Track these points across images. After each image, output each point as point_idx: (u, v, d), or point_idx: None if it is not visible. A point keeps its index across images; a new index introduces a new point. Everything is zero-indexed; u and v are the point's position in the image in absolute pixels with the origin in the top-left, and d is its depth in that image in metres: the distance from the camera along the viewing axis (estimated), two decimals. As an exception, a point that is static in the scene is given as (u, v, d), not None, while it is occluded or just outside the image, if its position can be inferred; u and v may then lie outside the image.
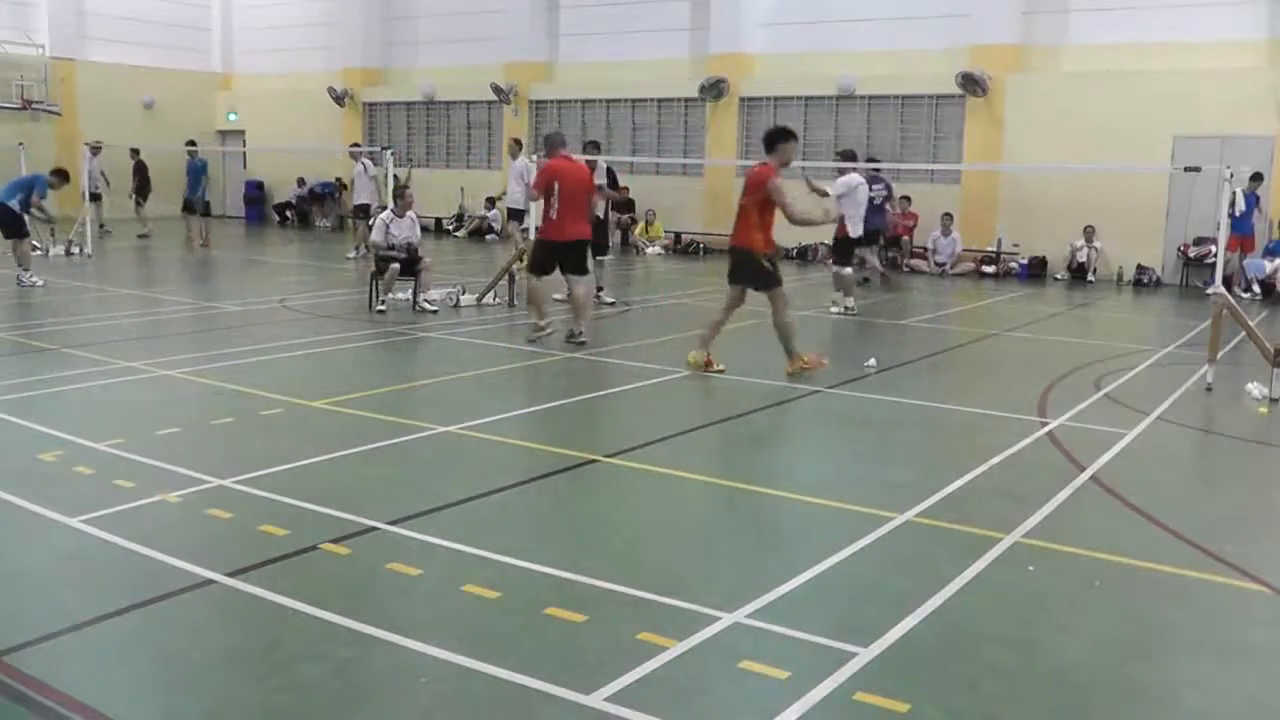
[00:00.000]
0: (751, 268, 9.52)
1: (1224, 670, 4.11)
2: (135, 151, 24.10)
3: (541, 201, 10.96)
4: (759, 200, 9.38)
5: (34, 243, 17.10)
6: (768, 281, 9.47)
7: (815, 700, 3.69)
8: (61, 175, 15.82)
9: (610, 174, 14.20)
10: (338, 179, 26.87)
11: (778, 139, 9.51)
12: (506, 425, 7.48)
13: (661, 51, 23.65)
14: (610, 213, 14.43)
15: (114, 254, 19.78)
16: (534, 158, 14.37)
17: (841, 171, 14.41)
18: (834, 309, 13.88)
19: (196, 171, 21.89)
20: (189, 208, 21.91)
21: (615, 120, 24.48)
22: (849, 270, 14.01)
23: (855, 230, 13.95)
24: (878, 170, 16.44)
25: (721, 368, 9.56)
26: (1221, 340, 9.70)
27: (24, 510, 5.45)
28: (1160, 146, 17.67)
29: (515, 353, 10.64)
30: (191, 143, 22.39)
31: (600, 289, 13.88)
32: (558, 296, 13.54)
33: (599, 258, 13.82)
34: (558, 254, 10.95)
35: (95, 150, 23.66)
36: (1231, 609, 4.72)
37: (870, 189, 14.84)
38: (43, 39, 27.44)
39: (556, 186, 10.79)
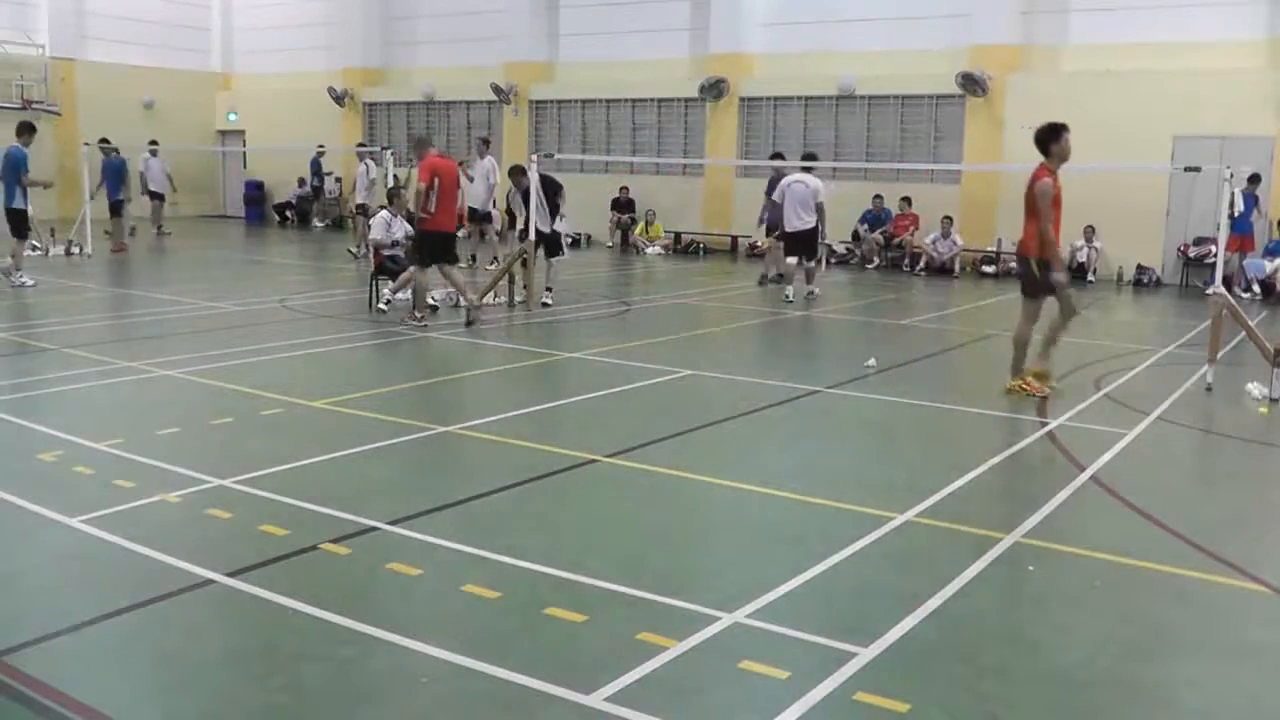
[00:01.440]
0: (1027, 275, 8.94)
1: (1224, 670, 4.11)
2: (115, 151, 24.02)
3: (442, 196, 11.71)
4: (1031, 204, 8.78)
5: (34, 243, 17.09)
6: (1031, 288, 8.89)
7: (815, 700, 3.69)
8: (29, 129, 15.17)
9: (548, 182, 13.85)
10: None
11: (1049, 138, 8.81)
12: (506, 425, 7.48)
13: (661, 51, 23.66)
14: (560, 218, 14.46)
15: (114, 254, 19.75)
16: (532, 157, 14.38)
17: (798, 171, 15.60)
18: (784, 296, 15.04)
19: (116, 171, 20.46)
20: (118, 210, 20.29)
21: (615, 120, 24.48)
22: (792, 260, 15.18)
23: (789, 225, 15.01)
24: (779, 168, 16.85)
25: (1053, 387, 8.93)
26: (1221, 340, 9.70)
27: (24, 510, 5.44)
28: (1160, 146, 17.67)
29: (515, 353, 10.65)
30: (105, 140, 20.92)
31: (548, 288, 13.90)
32: (547, 301, 13.54)
33: (552, 259, 13.90)
34: (444, 243, 11.87)
35: (154, 151, 23.67)
36: (1231, 609, 4.72)
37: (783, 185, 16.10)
38: (43, 39, 27.44)
39: (438, 182, 11.70)
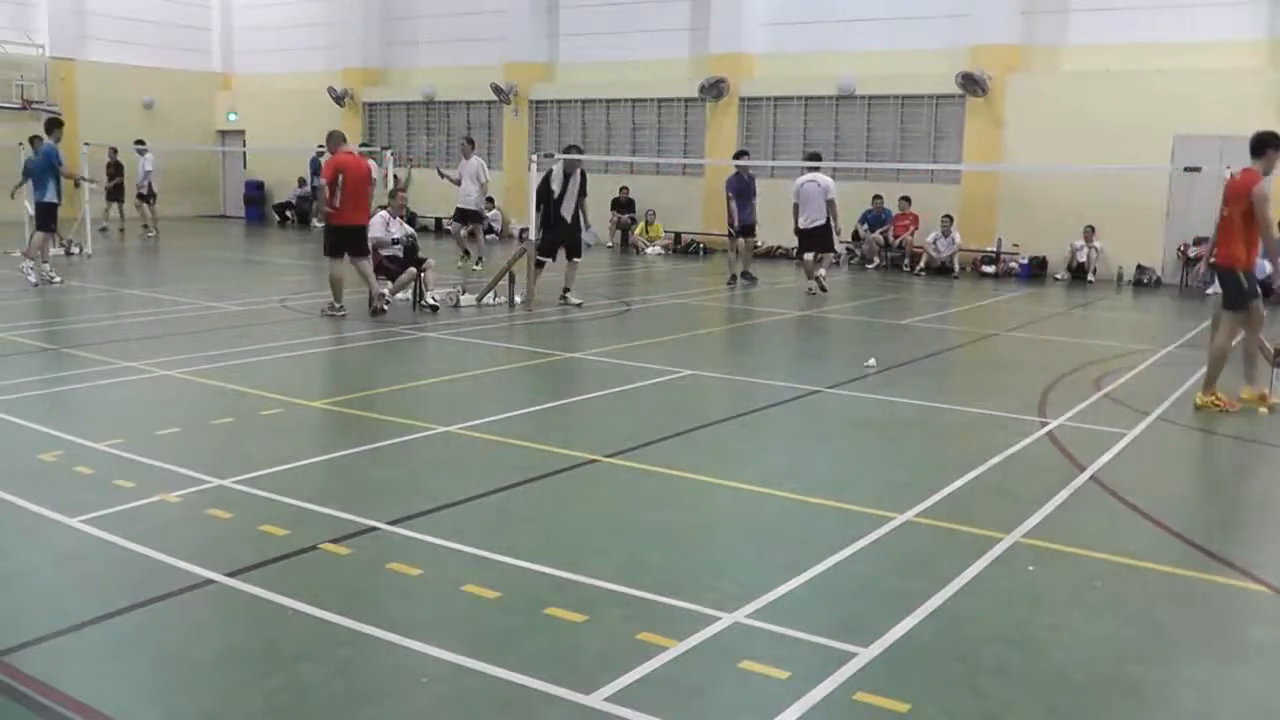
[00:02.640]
0: (1232, 285, 8.56)
1: (1224, 670, 4.11)
2: (113, 151, 24.05)
3: (342, 192, 12.17)
4: (1242, 210, 8.47)
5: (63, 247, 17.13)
6: (1238, 300, 8.49)
7: (815, 700, 3.69)
8: (57, 124, 15.42)
9: (583, 176, 14.03)
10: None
11: (1268, 144, 8.62)
12: (506, 425, 7.48)
13: (661, 51, 23.65)
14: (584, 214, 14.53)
15: (114, 254, 19.77)
16: (533, 157, 14.38)
17: (803, 172, 16.26)
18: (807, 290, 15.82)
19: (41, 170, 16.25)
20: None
21: (615, 120, 24.47)
22: (809, 256, 15.97)
23: (801, 223, 15.73)
24: (746, 168, 17.40)
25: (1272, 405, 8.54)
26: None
27: (24, 510, 5.44)
28: (1160, 146, 17.66)
29: (515, 353, 10.65)
30: (35, 138, 17.31)
31: (567, 289, 13.85)
32: (578, 301, 13.55)
33: (575, 259, 13.96)
34: (347, 237, 12.32)
35: (140, 151, 23.63)
36: (1231, 609, 4.72)
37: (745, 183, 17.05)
38: (43, 39, 27.44)
39: (342, 178, 12.15)
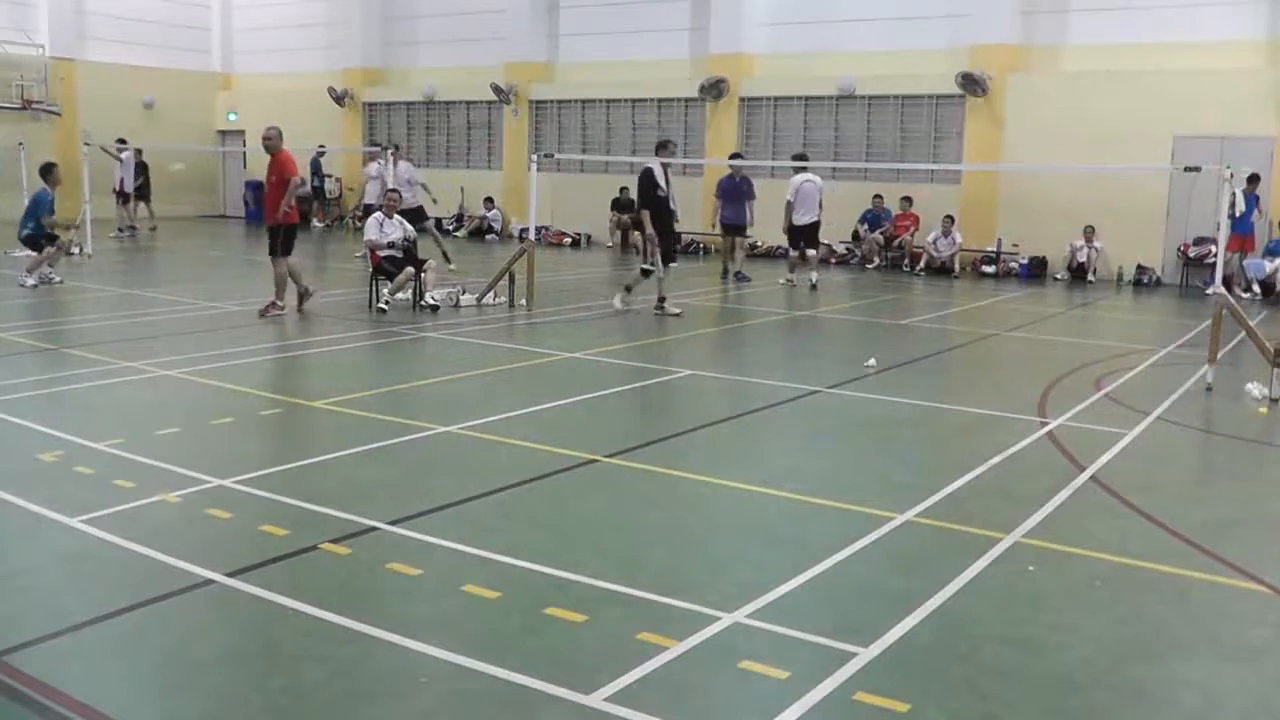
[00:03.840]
0: None
1: (1224, 670, 4.11)
2: (138, 151, 24.07)
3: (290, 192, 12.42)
4: None
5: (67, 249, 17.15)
6: None
7: (815, 700, 3.69)
8: (51, 169, 15.46)
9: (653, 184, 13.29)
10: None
11: None
12: (506, 425, 7.48)
13: (661, 51, 23.65)
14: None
15: (114, 254, 19.76)
16: (533, 157, 14.38)
17: (796, 171, 16.98)
18: (780, 280, 17.07)
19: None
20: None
21: (615, 120, 24.46)
22: (794, 252, 17.03)
23: (798, 220, 16.64)
24: (738, 169, 17.89)
25: None
26: (1221, 340, 9.69)
27: (24, 510, 5.44)
28: (1160, 146, 17.66)
29: (515, 353, 10.65)
30: None
31: (664, 298, 13.34)
32: (676, 310, 13.53)
33: (670, 264, 13.52)
34: (295, 233, 12.69)
35: (122, 149, 23.65)
36: (1231, 609, 4.72)
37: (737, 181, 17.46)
38: (43, 39, 27.42)
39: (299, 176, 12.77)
